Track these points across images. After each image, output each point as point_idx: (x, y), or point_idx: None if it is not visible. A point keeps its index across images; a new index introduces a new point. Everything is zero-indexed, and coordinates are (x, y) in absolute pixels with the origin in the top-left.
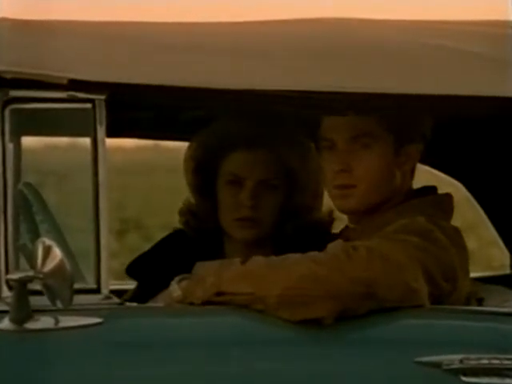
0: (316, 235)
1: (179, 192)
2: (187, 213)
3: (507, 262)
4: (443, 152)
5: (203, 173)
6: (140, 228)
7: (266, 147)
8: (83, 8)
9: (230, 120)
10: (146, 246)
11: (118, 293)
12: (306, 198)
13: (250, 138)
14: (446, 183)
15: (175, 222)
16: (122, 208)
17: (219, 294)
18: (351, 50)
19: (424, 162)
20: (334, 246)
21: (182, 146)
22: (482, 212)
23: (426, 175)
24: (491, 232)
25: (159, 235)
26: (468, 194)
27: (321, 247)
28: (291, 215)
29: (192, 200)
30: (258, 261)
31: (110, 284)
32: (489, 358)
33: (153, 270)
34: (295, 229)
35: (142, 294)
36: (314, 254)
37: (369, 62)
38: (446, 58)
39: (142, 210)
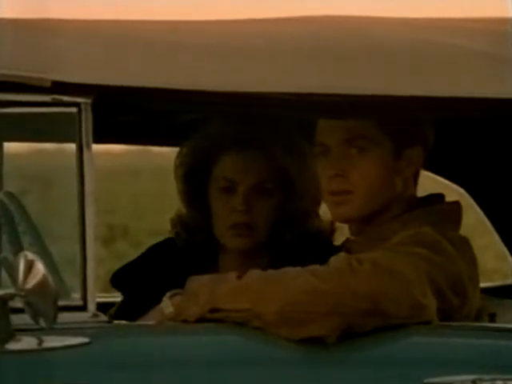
0: (316, 245)
1: (167, 197)
2: (178, 224)
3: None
4: (445, 157)
5: (194, 179)
6: (128, 234)
7: (258, 149)
8: (70, 6)
9: (220, 122)
10: (135, 253)
11: (106, 306)
12: (304, 204)
13: (242, 139)
14: (448, 189)
15: (163, 227)
16: (109, 214)
17: (214, 310)
18: (349, 49)
19: (425, 167)
20: (336, 259)
21: (171, 150)
22: (485, 219)
23: (427, 181)
24: (495, 239)
25: (148, 241)
26: (471, 201)
27: (321, 258)
28: (289, 222)
29: (183, 210)
30: (255, 275)
31: (96, 297)
32: (503, 379)
33: (140, 281)
34: (294, 237)
35: (129, 308)
36: (315, 267)
37: (367, 62)
38: (448, 56)
39: (130, 216)
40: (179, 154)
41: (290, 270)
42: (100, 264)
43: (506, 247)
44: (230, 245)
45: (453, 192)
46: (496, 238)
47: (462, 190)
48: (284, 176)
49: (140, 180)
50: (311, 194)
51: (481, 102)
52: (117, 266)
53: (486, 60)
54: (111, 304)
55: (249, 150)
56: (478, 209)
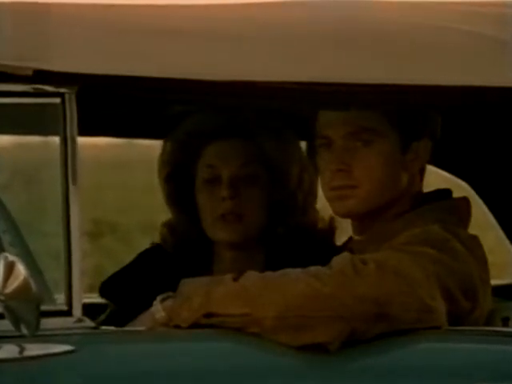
0: (313, 241)
1: (156, 191)
2: (164, 230)
3: None
4: (447, 150)
5: (179, 179)
6: (115, 229)
7: (241, 136)
8: None
9: (202, 114)
10: (123, 249)
11: (92, 308)
12: (295, 194)
13: (224, 128)
14: (450, 183)
15: (152, 221)
16: (96, 209)
17: (209, 315)
18: (352, 35)
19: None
20: (339, 260)
21: (159, 143)
22: (489, 214)
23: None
24: (500, 235)
25: (136, 236)
26: (475, 195)
27: (320, 257)
28: (280, 213)
29: (169, 215)
30: (252, 277)
31: (83, 298)
32: None
33: (130, 290)
34: (287, 231)
35: (120, 318)
36: (316, 268)
37: (366, 48)
38: (457, 43)
39: (118, 211)
40: (162, 153)
41: (289, 271)
42: (87, 260)
43: (510, 242)
44: (221, 237)
45: (452, 185)
46: (494, 232)
47: (463, 183)
48: (269, 162)
49: (127, 173)
50: (302, 185)
51: (491, 90)
52: (104, 262)
53: (495, 46)
54: (98, 305)
55: (231, 138)
56: (480, 202)
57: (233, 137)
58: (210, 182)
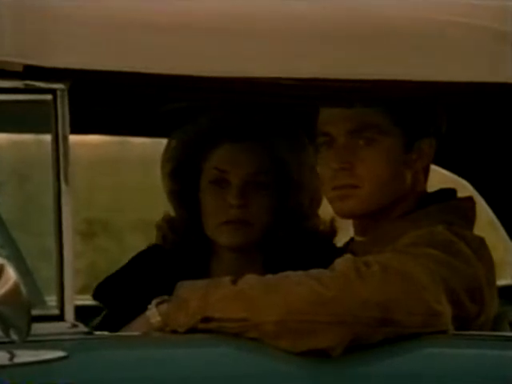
0: (313, 244)
1: (149, 190)
2: (164, 226)
3: None
4: (448, 148)
5: (183, 176)
6: (108, 229)
7: (253, 140)
8: None
9: (212, 112)
10: (116, 248)
11: (85, 310)
12: (303, 201)
13: (235, 129)
14: (451, 182)
15: (145, 221)
16: (88, 208)
17: (206, 319)
18: (353, 30)
19: None
20: (341, 262)
21: (152, 141)
22: (491, 213)
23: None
24: (501, 235)
25: (129, 236)
26: (477, 195)
27: (322, 261)
28: (285, 219)
29: (171, 213)
30: (252, 280)
31: (75, 300)
32: None
33: (125, 293)
34: (288, 235)
35: (114, 322)
36: (318, 271)
37: (366, 43)
38: (453, 36)
39: (110, 210)
40: (167, 148)
41: (290, 274)
42: (79, 260)
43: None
44: (224, 241)
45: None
46: (496, 231)
47: (464, 182)
48: (279, 166)
49: (120, 172)
50: (310, 191)
51: (497, 86)
52: (97, 261)
53: (496, 39)
54: (91, 308)
55: (243, 141)
56: (482, 201)
57: (245, 140)
58: (216, 183)
